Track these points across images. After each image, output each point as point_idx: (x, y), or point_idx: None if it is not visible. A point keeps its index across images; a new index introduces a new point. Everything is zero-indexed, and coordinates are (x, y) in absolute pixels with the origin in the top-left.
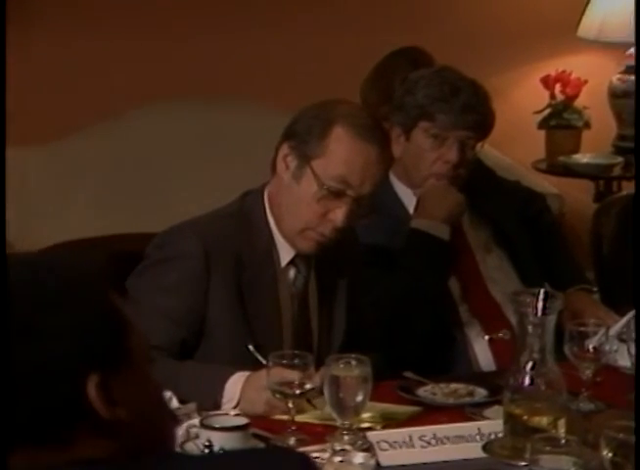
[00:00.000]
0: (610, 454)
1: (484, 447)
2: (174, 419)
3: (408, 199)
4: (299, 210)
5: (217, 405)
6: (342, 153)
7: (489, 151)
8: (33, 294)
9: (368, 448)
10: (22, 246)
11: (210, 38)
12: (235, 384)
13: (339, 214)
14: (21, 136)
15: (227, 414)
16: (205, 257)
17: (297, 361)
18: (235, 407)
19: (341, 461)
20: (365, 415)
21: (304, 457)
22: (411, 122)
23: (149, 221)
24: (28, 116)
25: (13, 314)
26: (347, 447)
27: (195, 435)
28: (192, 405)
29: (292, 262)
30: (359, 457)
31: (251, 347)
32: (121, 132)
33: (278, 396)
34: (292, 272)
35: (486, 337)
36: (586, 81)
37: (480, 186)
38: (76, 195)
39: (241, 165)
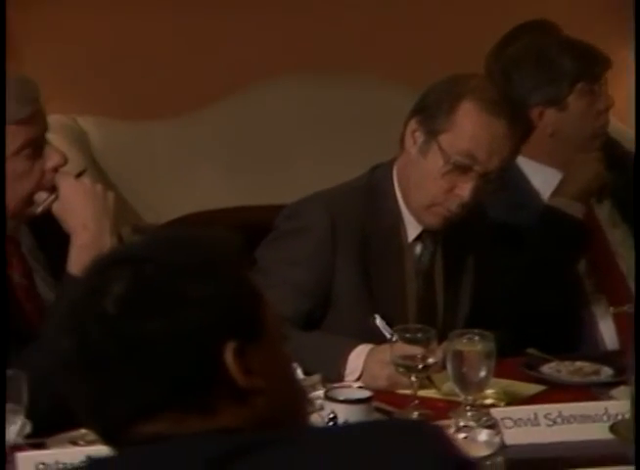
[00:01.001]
0: None
1: (612, 428)
2: (305, 392)
3: (532, 171)
4: (426, 185)
5: (340, 377)
6: (468, 127)
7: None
8: (176, 264)
9: (492, 425)
10: (151, 218)
11: (335, 9)
12: (358, 356)
13: (465, 190)
14: (150, 110)
15: (351, 387)
16: (332, 229)
17: (420, 336)
18: (357, 380)
19: (465, 437)
20: (488, 391)
21: (440, 428)
22: (566, 90)
23: (274, 193)
24: (157, 90)
25: (157, 284)
26: (471, 424)
27: (319, 406)
28: (316, 377)
29: (418, 238)
30: (484, 434)
31: (377, 319)
32: (248, 106)
33: (401, 369)
34: (418, 248)
35: (612, 309)
36: None
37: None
38: (204, 168)
39: (366, 138)
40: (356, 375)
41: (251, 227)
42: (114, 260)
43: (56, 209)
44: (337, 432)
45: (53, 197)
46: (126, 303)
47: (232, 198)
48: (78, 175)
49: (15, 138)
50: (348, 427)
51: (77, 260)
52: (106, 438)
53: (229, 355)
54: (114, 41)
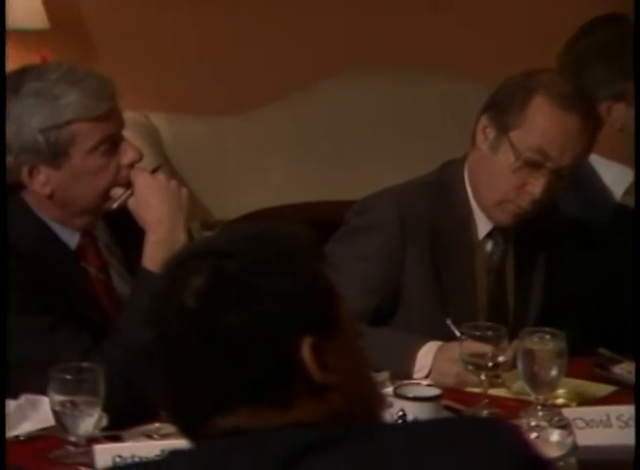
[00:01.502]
0: None
1: None
2: (380, 388)
3: (602, 168)
4: (496, 181)
5: (408, 374)
6: (540, 123)
7: None
8: (255, 258)
9: (565, 426)
10: (220, 214)
11: (401, 7)
12: (427, 354)
13: (536, 186)
14: (219, 107)
15: (420, 384)
16: (402, 226)
17: (490, 334)
18: (426, 377)
19: (536, 438)
20: (559, 391)
21: (515, 427)
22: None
23: (341, 190)
24: (227, 86)
25: (236, 278)
26: (543, 424)
27: (389, 404)
28: (385, 374)
29: (489, 235)
30: (555, 435)
31: (448, 321)
32: (314, 102)
33: (470, 367)
34: (489, 245)
35: None
36: None
37: None
38: (272, 164)
39: (432, 135)
40: (425, 372)
41: (319, 223)
42: (194, 254)
43: (131, 204)
44: (411, 428)
45: (129, 192)
46: (206, 296)
47: (300, 194)
48: (153, 171)
49: (92, 135)
50: (423, 423)
51: (152, 255)
52: (184, 430)
53: (306, 351)
54: (185, 39)
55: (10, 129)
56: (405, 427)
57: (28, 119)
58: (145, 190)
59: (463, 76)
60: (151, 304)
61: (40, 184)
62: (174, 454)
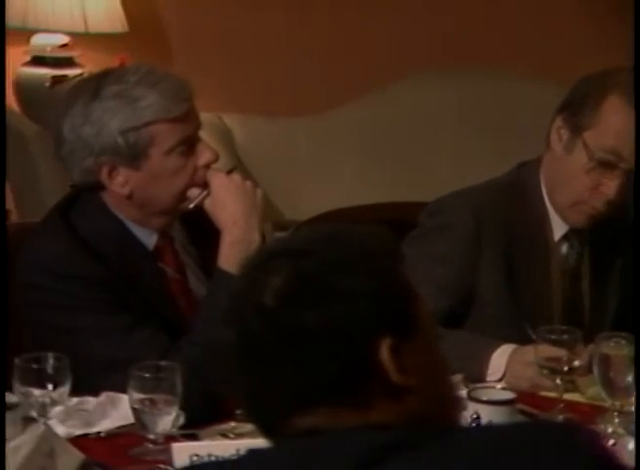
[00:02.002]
0: None
1: None
2: (457, 391)
3: None
4: (570, 182)
5: (482, 377)
6: (613, 123)
7: None
8: (335, 258)
9: None
10: (292, 215)
11: (469, 8)
12: (501, 356)
13: (611, 188)
14: (291, 108)
15: (494, 387)
16: (476, 227)
17: (565, 337)
18: (499, 380)
19: (613, 445)
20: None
21: (595, 433)
22: None
23: (413, 191)
24: (300, 87)
25: (315, 278)
26: (620, 431)
27: (462, 407)
28: (458, 376)
29: (565, 237)
30: (632, 443)
31: (525, 325)
32: (386, 104)
33: (545, 371)
34: (564, 247)
35: None
36: None
37: None
38: (343, 165)
39: (502, 136)
40: (499, 375)
41: (391, 224)
42: (273, 254)
43: (207, 205)
44: (490, 431)
45: (205, 193)
46: (285, 296)
47: (371, 195)
48: (229, 172)
49: (170, 136)
50: (501, 427)
51: (227, 256)
52: (263, 429)
53: (384, 352)
54: (258, 41)
55: (90, 131)
56: (484, 430)
57: (108, 121)
58: (221, 191)
59: (531, 77)
60: (230, 303)
61: (119, 185)
62: (252, 453)
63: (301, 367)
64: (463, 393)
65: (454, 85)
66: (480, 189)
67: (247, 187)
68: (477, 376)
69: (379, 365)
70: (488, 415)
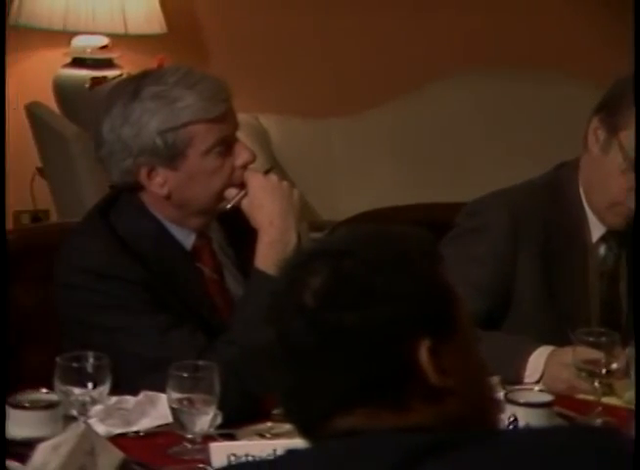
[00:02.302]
0: None
1: None
2: (496, 394)
3: None
4: (607, 184)
5: (519, 378)
6: None
7: None
8: (375, 259)
9: None
10: (327, 215)
11: (508, 7)
12: (538, 358)
13: None
14: (327, 108)
15: (532, 389)
16: (513, 229)
17: (603, 340)
18: (537, 382)
19: None
20: None
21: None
22: None
23: (450, 191)
24: (336, 88)
25: (355, 278)
26: None
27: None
28: (495, 378)
29: (602, 239)
30: None
31: (566, 329)
32: (423, 104)
33: (583, 374)
34: (602, 249)
35: None
36: None
37: None
38: (380, 165)
39: (542, 136)
40: (536, 377)
41: (428, 225)
42: (313, 254)
43: (245, 205)
44: (531, 435)
45: (242, 193)
46: (325, 296)
47: (408, 196)
48: (267, 172)
49: (208, 136)
50: (542, 430)
51: (264, 256)
52: (301, 429)
53: (423, 353)
54: (294, 42)
55: (129, 132)
56: (523, 433)
57: (147, 122)
58: (258, 191)
59: (568, 78)
60: (270, 303)
61: (158, 185)
62: (290, 454)
63: (341, 368)
64: (500, 395)
65: (490, 86)
66: (517, 190)
67: (284, 187)
68: (514, 377)
69: (418, 366)
70: (526, 418)
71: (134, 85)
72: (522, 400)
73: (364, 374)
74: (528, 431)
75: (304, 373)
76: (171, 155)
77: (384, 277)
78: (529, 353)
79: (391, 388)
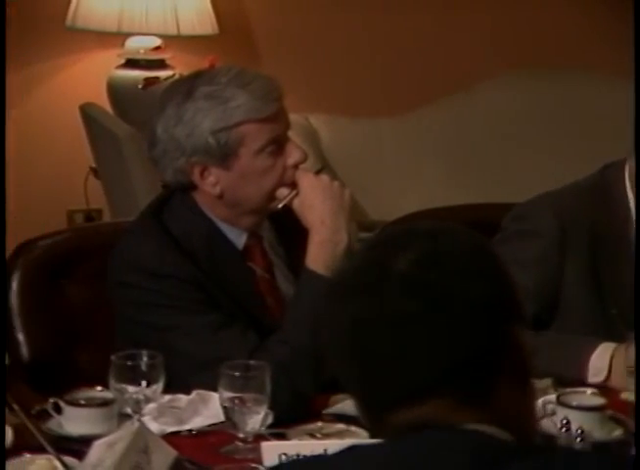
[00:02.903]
0: None
1: None
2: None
3: None
4: None
5: (582, 379)
6: None
7: None
8: (467, 241)
9: None
10: (376, 215)
11: (559, 7)
12: (601, 357)
13: None
14: (376, 108)
15: (584, 392)
16: (561, 233)
17: None
18: (604, 381)
19: None
20: None
21: None
22: None
23: (499, 192)
24: (385, 88)
25: (453, 253)
26: None
27: (551, 411)
28: (547, 380)
29: None
30: None
31: (626, 333)
32: (470, 104)
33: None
34: None
35: None
36: None
37: None
38: (429, 165)
39: (590, 136)
40: (602, 377)
41: (477, 226)
42: (400, 234)
43: (296, 204)
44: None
45: (294, 193)
46: (409, 280)
47: (457, 196)
48: (318, 172)
49: (260, 136)
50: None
51: (315, 256)
52: (372, 421)
53: (517, 337)
54: (344, 42)
55: (183, 131)
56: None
57: (200, 122)
58: (309, 191)
59: (618, 78)
60: (345, 289)
61: (211, 185)
62: (354, 449)
63: (442, 336)
64: (552, 397)
65: (538, 86)
66: (563, 192)
67: (335, 188)
68: (575, 378)
69: (513, 351)
70: (579, 421)
71: (187, 85)
72: (574, 403)
73: (444, 360)
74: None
75: (381, 359)
76: (224, 154)
77: (479, 256)
78: (591, 352)
79: (483, 371)
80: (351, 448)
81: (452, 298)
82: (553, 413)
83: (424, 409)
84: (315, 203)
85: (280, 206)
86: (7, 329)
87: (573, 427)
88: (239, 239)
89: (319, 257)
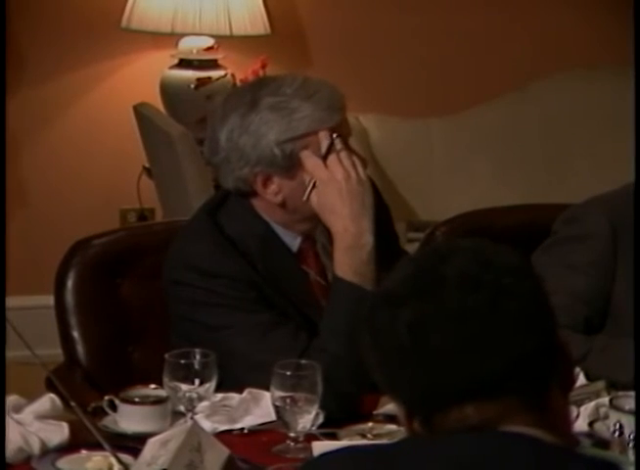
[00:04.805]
0: None
1: None
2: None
3: None
4: None
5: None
6: None
7: None
8: (503, 258)
9: None
10: (426, 215)
11: (617, 6)
12: None
13: None
14: (426, 108)
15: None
16: (613, 236)
17: None
18: None
19: None
20: None
21: None
22: None
23: (550, 193)
24: (435, 87)
25: (500, 260)
26: None
27: (604, 415)
28: (601, 384)
29: None
30: None
31: None
32: (524, 104)
33: None
34: None
35: None
36: None
37: None
38: (479, 165)
39: None
40: None
41: (528, 227)
42: (444, 249)
43: (315, 205)
44: None
45: (312, 183)
46: (466, 277)
47: (507, 196)
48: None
49: (324, 144)
50: None
51: (341, 263)
52: (425, 419)
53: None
54: (394, 41)
55: (248, 142)
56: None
57: (266, 133)
58: (328, 194)
59: None
60: (397, 298)
61: (273, 193)
62: (404, 443)
63: (507, 331)
64: (605, 400)
65: (592, 85)
66: (616, 195)
67: (353, 185)
68: (628, 382)
69: (561, 352)
70: (632, 425)
71: (251, 95)
72: (627, 407)
73: (506, 359)
74: None
75: (439, 359)
76: (288, 164)
77: (525, 262)
78: None
79: (543, 368)
80: (407, 442)
81: (510, 293)
82: (606, 417)
83: (484, 408)
84: (336, 208)
85: (305, 198)
86: (62, 327)
87: (627, 431)
88: (293, 242)
89: (345, 263)
